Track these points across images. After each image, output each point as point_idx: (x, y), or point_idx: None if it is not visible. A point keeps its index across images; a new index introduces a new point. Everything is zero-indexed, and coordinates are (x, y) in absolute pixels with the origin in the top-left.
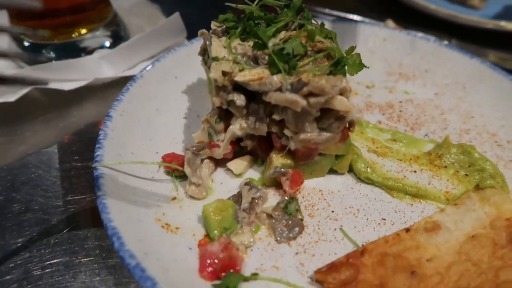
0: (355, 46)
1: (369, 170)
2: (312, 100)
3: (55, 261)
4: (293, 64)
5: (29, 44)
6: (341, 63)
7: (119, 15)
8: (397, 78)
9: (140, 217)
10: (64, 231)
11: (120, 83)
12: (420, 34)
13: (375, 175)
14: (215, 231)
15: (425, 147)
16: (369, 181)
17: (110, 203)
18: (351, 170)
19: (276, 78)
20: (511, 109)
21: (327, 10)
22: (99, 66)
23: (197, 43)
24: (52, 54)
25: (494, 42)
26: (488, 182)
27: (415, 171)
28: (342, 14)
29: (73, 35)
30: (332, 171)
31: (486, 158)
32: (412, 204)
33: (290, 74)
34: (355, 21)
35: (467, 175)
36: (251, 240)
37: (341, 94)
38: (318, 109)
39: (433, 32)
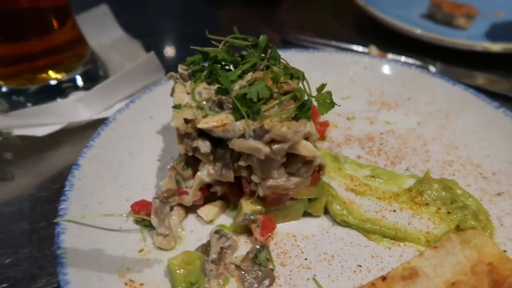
0: (325, 84)
1: (344, 212)
2: (275, 147)
3: None
4: (256, 109)
5: (6, 90)
6: (306, 106)
7: (98, 53)
8: (378, 107)
9: (102, 276)
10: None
11: (97, 125)
12: (402, 60)
13: (351, 218)
14: None
15: (405, 183)
16: (345, 224)
17: (70, 262)
18: (327, 211)
19: (240, 124)
20: (495, 137)
21: (307, 38)
22: (75, 109)
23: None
24: (29, 99)
25: (481, 63)
26: (469, 222)
27: (394, 210)
28: (326, 41)
29: (51, 77)
30: (307, 214)
31: (469, 194)
32: (390, 248)
33: (254, 119)
34: (338, 49)
35: (449, 212)
36: None
37: (306, 138)
38: (284, 155)
39: (418, 56)
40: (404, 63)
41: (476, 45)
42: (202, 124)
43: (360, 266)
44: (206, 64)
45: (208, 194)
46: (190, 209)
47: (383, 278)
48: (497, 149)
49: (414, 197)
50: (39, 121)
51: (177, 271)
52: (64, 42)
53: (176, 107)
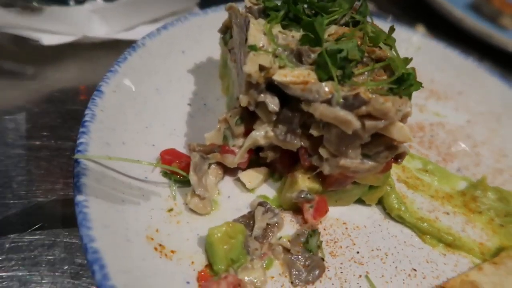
0: (411, 59)
1: (402, 208)
2: (369, 123)
3: (7, 274)
4: (348, 72)
5: None
6: (407, 81)
7: None
8: (427, 95)
9: (129, 235)
10: (25, 234)
11: (112, 46)
12: (457, 50)
13: (408, 215)
14: (221, 265)
15: (458, 184)
16: (400, 220)
17: (93, 214)
18: (379, 202)
19: (326, 87)
20: None
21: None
22: (90, 20)
23: (213, 14)
24: None
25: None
26: None
27: (448, 213)
28: (374, 10)
29: None
30: (358, 200)
31: None
32: (445, 255)
33: (342, 84)
34: (390, 22)
35: (502, 226)
36: (262, 279)
37: (401, 120)
38: (370, 134)
39: (460, 46)
40: (461, 52)
41: None
42: (279, 76)
43: (415, 270)
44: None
45: (253, 157)
46: (229, 171)
47: None
48: None
49: (468, 203)
50: (46, 26)
51: (219, 245)
52: None
53: (252, 48)
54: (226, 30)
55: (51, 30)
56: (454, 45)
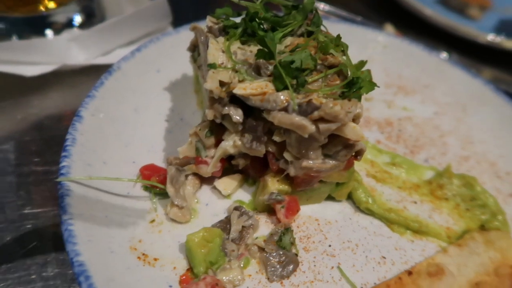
0: (366, 61)
1: (370, 200)
2: (322, 126)
3: None
4: (302, 81)
5: None
6: (356, 85)
7: None
8: (395, 91)
9: (112, 247)
10: (19, 254)
11: (90, 70)
12: (421, 45)
13: (376, 206)
14: (200, 267)
15: (425, 174)
16: (369, 212)
17: (78, 230)
18: (349, 197)
19: (282, 96)
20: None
21: (322, 6)
22: (68, 49)
23: (184, 32)
24: (11, 29)
25: (488, 58)
26: (494, 223)
27: (415, 202)
28: (341, 12)
29: (40, 8)
30: (329, 197)
31: (488, 193)
32: (413, 241)
33: (297, 91)
34: (354, 22)
35: (468, 209)
36: (240, 277)
37: (353, 120)
38: (327, 136)
39: (430, 41)
40: (425, 47)
41: (491, 39)
42: (239, 90)
43: (384, 258)
44: (237, 20)
45: (226, 165)
46: (205, 180)
47: (409, 273)
48: None
49: (434, 190)
50: (28, 58)
51: (197, 250)
52: None
53: (212, 66)
54: (194, 49)
55: (32, 61)
56: (424, 40)
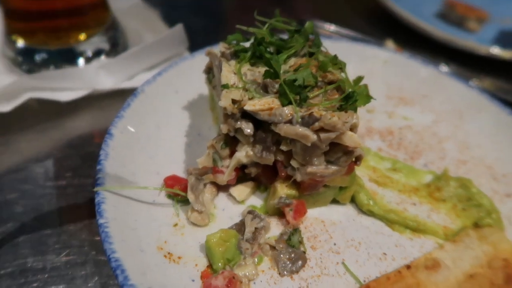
0: (363, 77)
1: (371, 202)
2: (323, 135)
3: None
4: (304, 96)
5: (22, 46)
6: (352, 98)
7: (117, 20)
8: (396, 102)
9: (142, 247)
10: (61, 255)
11: (116, 94)
12: (420, 59)
13: (377, 208)
14: (219, 263)
15: (424, 178)
16: (370, 214)
17: (113, 231)
18: (352, 200)
19: (287, 110)
20: (507, 141)
21: (325, 25)
22: (98, 75)
23: (199, 56)
24: (46, 60)
25: (488, 68)
26: (486, 220)
27: (414, 204)
28: (340, 30)
29: (70, 40)
30: (334, 201)
31: (483, 194)
32: (412, 239)
33: (300, 106)
34: (355, 40)
35: (464, 209)
36: (254, 272)
37: (351, 129)
38: (328, 144)
39: (430, 54)
40: (423, 61)
41: (488, 50)
42: (249, 106)
43: (385, 254)
44: (246, 44)
45: (240, 174)
46: (221, 188)
47: (408, 267)
48: (508, 152)
49: (433, 193)
50: (62, 85)
51: (216, 248)
52: (88, 4)
53: (225, 86)
54: (209, 71)
55: (67, 88)
56: (424, 54)
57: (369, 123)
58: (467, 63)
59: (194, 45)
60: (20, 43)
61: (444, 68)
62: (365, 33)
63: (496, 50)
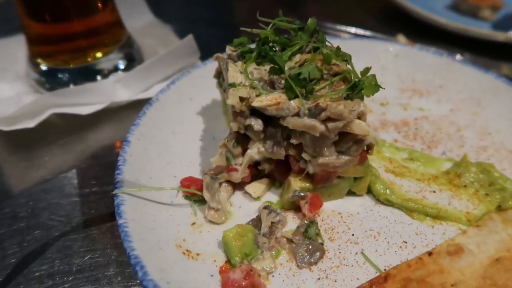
0: (370, 68)
1: (388, 191)
2: (330, 125)
3: None
4: (310, 89)
5: (46, 68)
6: (358, 87)
7: (133, 37)
8: (410, 94)
9: (161, 245)
10: (86, 258)
11: (134, 105)
12: (432, 49)
13: (394, 197)
14: (236, 258)
15: (443, 166)
16: (388, 203)
17: (132, 231)
18: (369, 191)
19: (294, 103)
20: None
21: (337, 26)
22: (115, 89)
23: (210, 64)
24: (68, 78)
25: (507, 54)
26: (510, 203)
27: (434, 191)
28: (353, 30)
29: (89, 59)
30: (350, 193)
31: (506, 177)
32: (433, 226)
33: (307, 98)
34: (366, 37)
35: (487, 194)
36: (272, 266)
37: (359, 118)
38: (336, 133)
39: (445, 46)
40: (436, 51)
41: (503, 35)
42: (257, 103)
43: (406, 242)
44: (252, 46)
45: (254, 171)
46: (237, 186)
47: (429, 254)
48: None
49: (453, 179)
50: (82, 100)
51: (233, 243)
52: (104, 24)
53: (232, 85)
54: (219, 75)
55: (86, 102)
56: (438, 46)
57: (383, 116)
58: (484, 52)
59: (206, 54)
60: (44, 65)
61: (459, 57)
62: (377, 31)
63: (508, 35)
